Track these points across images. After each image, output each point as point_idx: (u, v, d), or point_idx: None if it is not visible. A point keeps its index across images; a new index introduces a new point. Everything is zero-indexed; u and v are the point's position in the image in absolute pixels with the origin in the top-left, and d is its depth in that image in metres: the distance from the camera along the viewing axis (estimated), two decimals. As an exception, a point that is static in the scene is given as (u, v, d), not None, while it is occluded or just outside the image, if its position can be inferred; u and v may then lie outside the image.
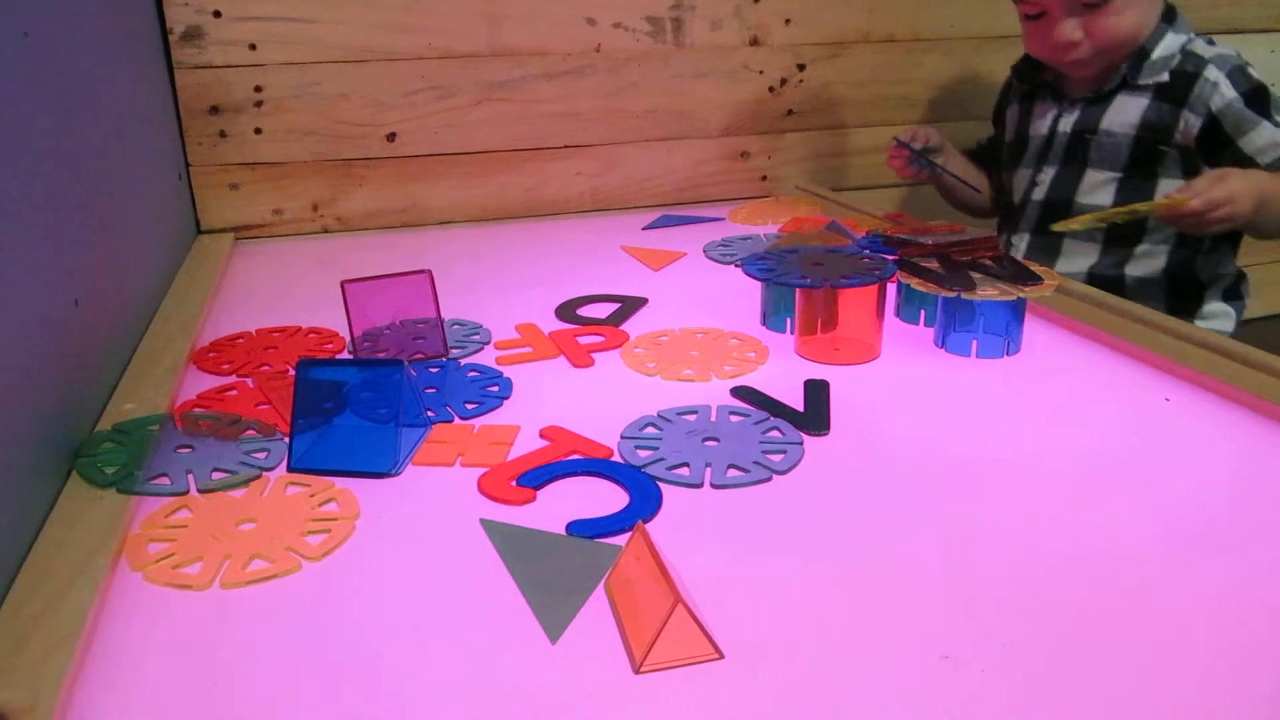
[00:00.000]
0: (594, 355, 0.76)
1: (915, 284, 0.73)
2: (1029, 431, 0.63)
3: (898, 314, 0.83)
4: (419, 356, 0.76)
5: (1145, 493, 0.55)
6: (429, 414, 0.65)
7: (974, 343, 0.74)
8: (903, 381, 0.72)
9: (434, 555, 0.50)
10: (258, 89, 1.10)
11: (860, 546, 0.51)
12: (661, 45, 1.22)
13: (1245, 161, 0.97)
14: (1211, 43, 1.05)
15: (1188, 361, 0.70)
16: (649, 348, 0.78)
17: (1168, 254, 1.05)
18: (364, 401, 0.63)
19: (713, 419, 0.64)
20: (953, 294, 0.71)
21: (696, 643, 0.41)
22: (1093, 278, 1.06)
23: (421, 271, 0.76)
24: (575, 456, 0.60)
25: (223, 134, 1.10)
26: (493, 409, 0.67)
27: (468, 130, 1.18)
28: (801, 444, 0.61)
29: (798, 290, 0.74)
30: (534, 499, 0.55)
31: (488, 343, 0.80)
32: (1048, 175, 1.11)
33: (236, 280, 1.01)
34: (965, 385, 0.71)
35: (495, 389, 0.70)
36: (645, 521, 0.53)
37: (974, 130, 1.39)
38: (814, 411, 0.65)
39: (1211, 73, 1.01)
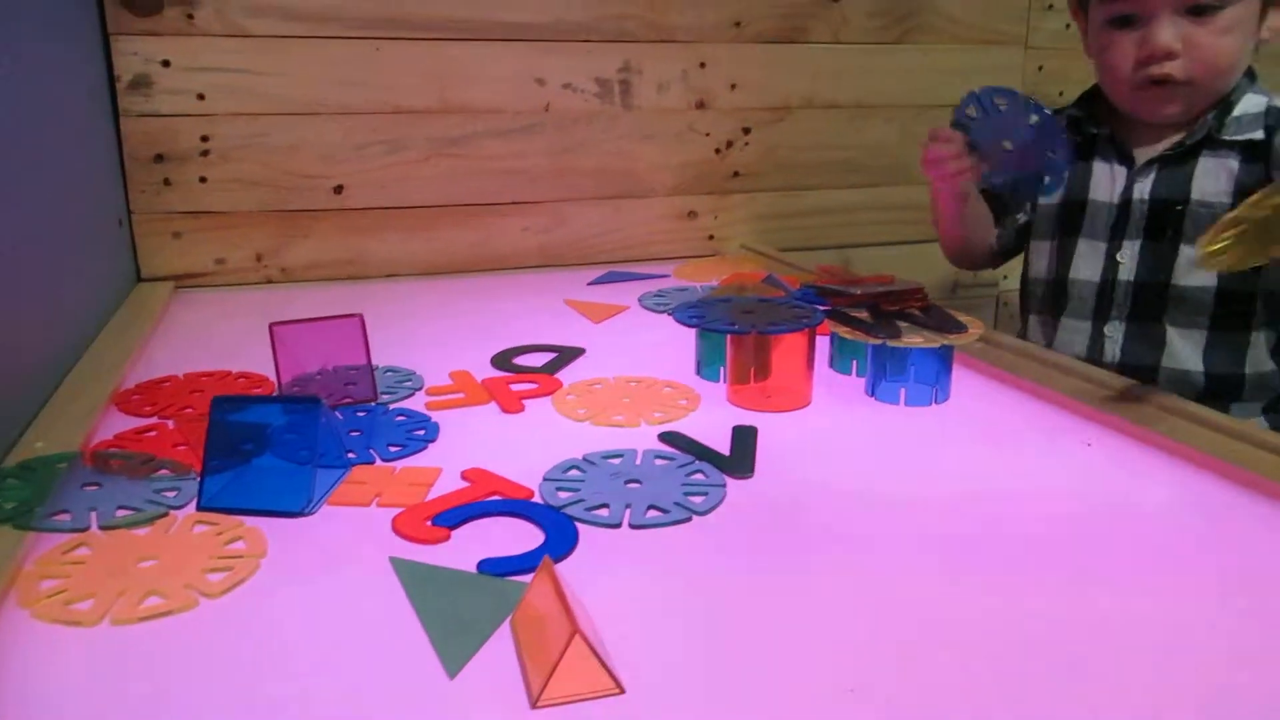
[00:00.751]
0: (526, 402, 0.76)
1: (844, 332, 0.74)
2: (950, 476, 0.63)
3: (831, 364, 0.83)
4: (347, 401, 0.75)
5: (1064, 534, 0.55)
6: (350, 455, 0.64)
7: (902, 391, 0.75)
8: (830, 428, 0.72)
9: (339, 594, 0.49)
10: (204, 138, 1.10)
11: (773, 585, 0.50)
12: (609, 106, 1.24)
13: None
14: None
15: (1108, 408, 0.71)
16: (581, 395, 0.78)
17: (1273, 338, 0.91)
18: (286, 443, 0.62)
19: (638, 462, 0.64)
20: (879, 341, 0.72)
21: (596, 676, 0.41)
22: (1210, 378, 0.90)
23: (352, 316, 0.76)
24: (495, 497, 0.59)
25: (167, 182, 1.10)
26: (416, 451, 0.66)
27: (416, 185, 1.19)
28: (724, 486, 0.60)
29: (729, 339, 0.75)
30: (448, 538, 0.54)
31: (420, 389, 0.79)
32: (1130, 253, 0.94)
33: (172, 327, 0.99)
34: (890, 432, 0.71)
35: (421, 432, 0.69)
36: (559, 560, 0.52)
37: (916, 195, 1.43)
38: (739, 455, 0.65)
39: None
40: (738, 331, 0.71)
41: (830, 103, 1.35)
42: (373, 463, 0.64)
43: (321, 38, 1.11)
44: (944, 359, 0.75)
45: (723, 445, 0.67)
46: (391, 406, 0.75)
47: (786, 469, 0.64)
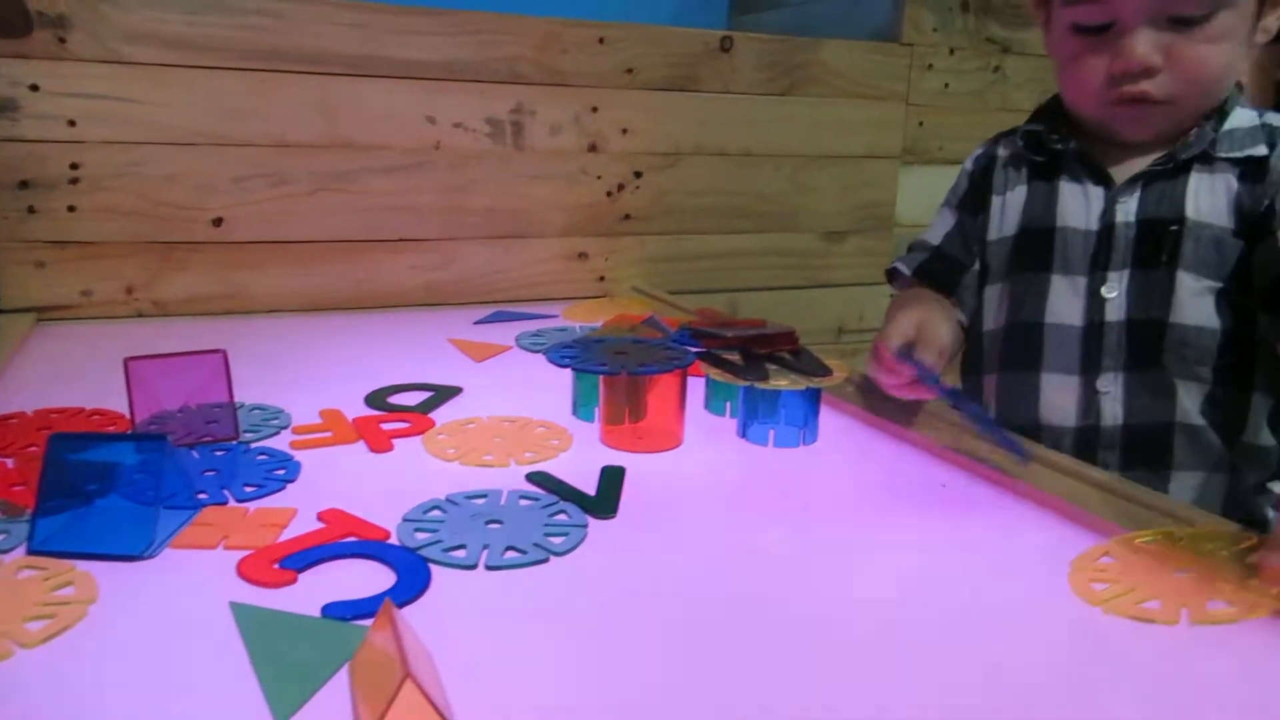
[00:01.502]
0: (396, 441, 0.75)
1: (714, 374, 0.75)
2: (811, 519, 0.64)
3: (706, 406, 0.84)
4: (207, 439, 0.73)
5: (923, 573, 0.57)
6: (201, 496, 0.62)
7: (771, 433, 0.76)
8: (698, 469, 0.73)
9: (171, 641, 0.47)
10: (74, 166, 1.06)
11: (627, 625, 0.50)
12: (501, 146, 1.25)
13: (1270, 263, 0.72)
14: None
15: (963, 450, 0.73)
16: (453, 434, 0.77)
17: None
18: (130, 483, 0.59)
19: (502, 503, 0.64)
20: (747, 383, 0.73)
21: (428, 718, 0.40)
22: (1200, 429, 0.77)
23: (215, 351, 0.74)
24: (350, 539, 0.58)
25: (31, 210, 1.06)
26: (274, 492, 0.65)
27: (300, 219, 1.17)
28: (585, 527, 0.60)
29: (602, 379, 0.75)
30: (294, 581, 0.53)
31: (286, 427, 0.77)
32: (1119, 286, 0.79)
33: (29, 362, 0.95)
34: (757, 473, 0.72)
35: (281, 472, 0.67)
36: (410, 602, 0.51)
37: (802, 243, 1.47)
38: (604, 496, 0.65)
39: None
40: (608, 372, 0.72)
41: (719, 150, 1.38)
42: (225, 503, 0.62)
43: (202, 68, 1.09)
44: (812, 401, 0.77)
45: (592, 486, 0.67)
46: (253, 445, 0.73)
47: (651, 510, 0.65)
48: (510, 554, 0.56)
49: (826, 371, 0.76)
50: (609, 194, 1.32)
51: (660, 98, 1.32)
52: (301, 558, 0.55)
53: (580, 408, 0.82)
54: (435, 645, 0.46)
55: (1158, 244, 0.77)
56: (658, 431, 0.76)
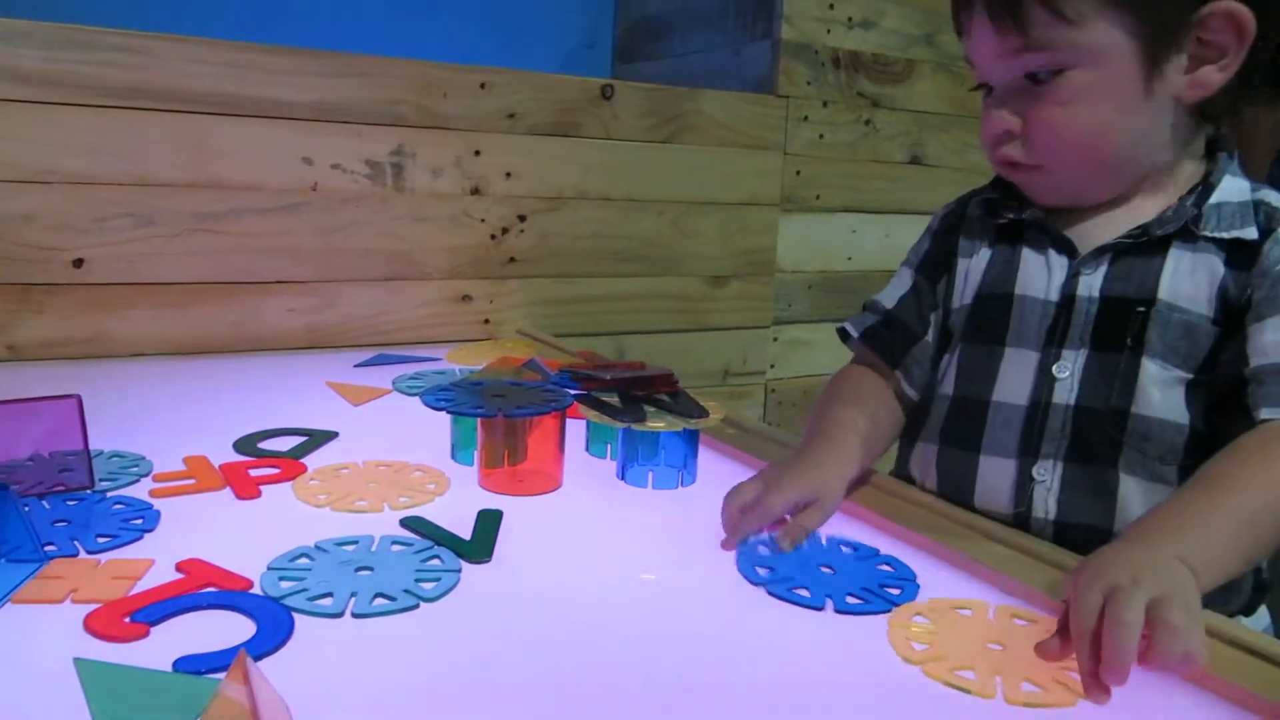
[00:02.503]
0: (264, 488, 0.72)
1: (592, 416, 0.75)
2: (685, 557, 0.65)
3: (587, 449, 0.85)
4: (59, 489, 0.69)
5: (774, 617, 0.58)
6: (49, 548, 0.59)
7: (650, 474, 0.77)
8: (576, 511, 0.73)
9: (11, 701, 0.44)
10: (-81, 205, 1.01)
11: (497, 672, 0.50)
12: (381, 188, 1.24)
13: (1239, 352, 0.65)
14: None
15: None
16: (326, 480, 0.75)
17: None
18: (10, 530, 0.56)
19: (373, 549, 0.62)
20: (623, 425, 0.74)
21: (278, 776, 0.38)
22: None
23: (69, 397, 0.70)
24: (209, 589, 0.55)
25: None
26: (130, 542, 0.62)
27: (168, 261, 1.13)
28: (459, 572, 0.59)
29: (479, 422, 0.75)
30: (146, 634, 0.50)
31: (147, 474, 0.74)
32: (1072, 366, 0.71)
33: None
34: (634, 514, 0.73)
35: (139, 521, 0.64)
36: (272, 652, 0.49)
37: (687, 286, 1.50)
38: (479, 540, 0.64)
39: None
40: (484, 414, 0.71)
41: (603, 195, 1.40)
42: (76, 555, 0.59)
43: (60, 104, 1.04)
44: (690, 443, 0.78)
45: (468, 530, 0.66)
46: (110, 494, 0.69)
47: (527, 553, 0.64)
48: (379, 601, 0.55)
49: (703, 413, 0.77)
50: (493, 237, 1.33)
51: (543, 143, 1.33)
52: (155, 610, 0.52)
53: (459, 451, 0.81)
54: (295, 697, 0.44)
55: (1122, 325, 0.69)
56: (537, 474, 0.76)
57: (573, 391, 0.79)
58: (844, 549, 0.66)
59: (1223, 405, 0.66)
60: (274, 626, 0.51)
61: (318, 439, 0.85)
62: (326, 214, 1.21)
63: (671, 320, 1.50)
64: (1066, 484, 0.70)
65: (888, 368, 0.82)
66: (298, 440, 0.84)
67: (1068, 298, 0.72)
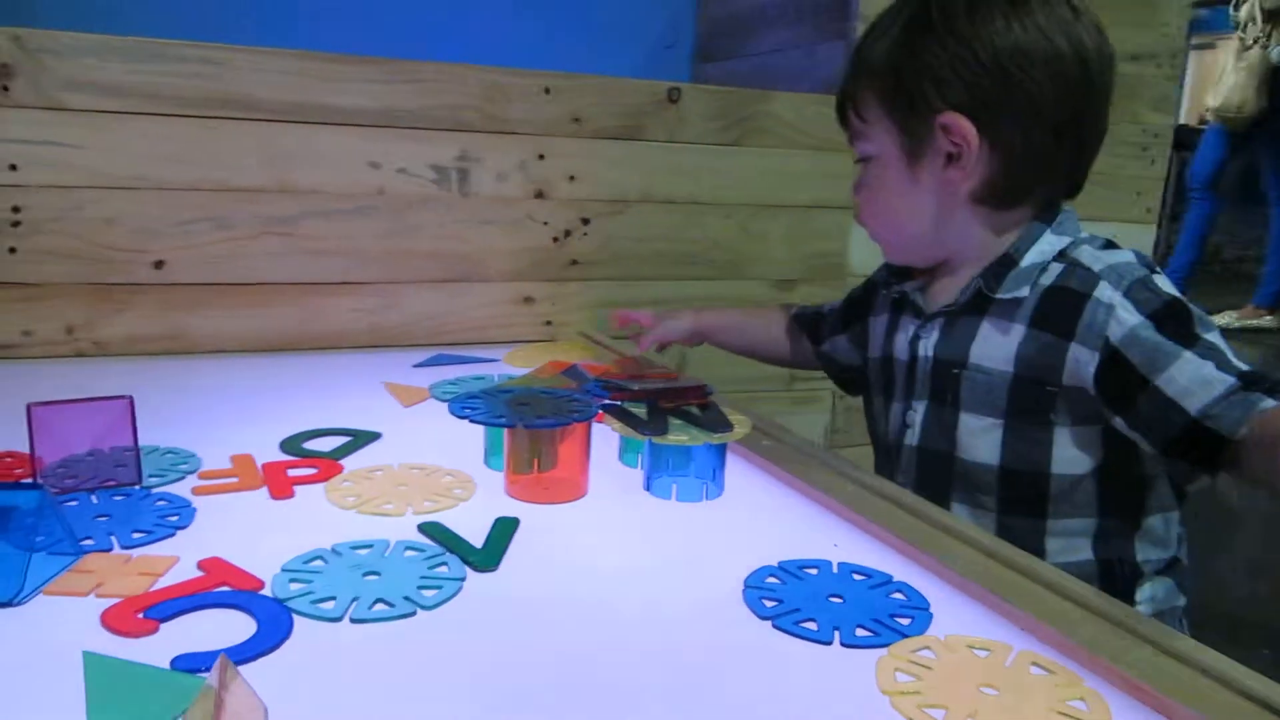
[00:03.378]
0: (298, 488, 0.75)
1: (615, 426, 0.76)
2: (695, 573, 0.65)
3: (620, 458, 0.85)
4: (110, 484, 0.73)
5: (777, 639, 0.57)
6: (87, 542, 0.63)
7: (674, 486, 0.77)
8: (596, 522, 0.73)
9: (23, 686, 0.48)
10: (15, 209, 1.08)
11: (481, 685, 0.50)
12: (446, 193, 1.26)
13: (1168, 409, 0.70)
14: (1109, 245, 0.80)
15: (872, 515, 0.73)
16: (358, 482, 0.77)
17: (1094, 531, 0.80)
18: (9, 531, 0.59)
19: (386, 554, 0.64)
20: (642, 437, 0.74)
21: (238, 779, 0.40)
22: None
23: (121, 398, 0.75)
24: (223, 589, 0.58)
25: (-28, 251, 1.07)
26: (163, 538, 0.65)
27: (243, 262, 1.19)
28: (461, 580, 0.61)
29: (505, 431, 0.76)
30: (155, 630, 0.53)
31: (194, 471, 0.78)
32: (919, 415, 0.87)
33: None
34: (653, 527, 0.72)
35: (175, 519, 0.68)
36: (264, 654, 0.51)
37: (753, 290, 1.49)
38: (489, 548, 0.65)
39: (1104, 291, 0.75)
40: (505, 424, 0.73)
41: (668, 198, 1.40)
42: (110, 550, 0.63)
43: (144, 114, 1.10)
44: (716, 457, 0.78)
45: (484, 536, 0.68)
46: (155, 490, 0.73)
47: (537, 563, 0.65)
48: (379, 607, 0.57)
49: (728, 427, 0.76)
50: (555, 240, 1.34)
51: (608, 146, 1.34)
52: (166, 607, 0.55)
53: (491, 457, 0.82)
54: (280, 699, 0.46)
55: (944, 383, 0.84)
56: (562, 482, 0.77)
57: (601, 401, 0.79)
58: (856, 576, 0.64)
59: (1170, 452, 0.73)
60: (273, 628, 0.53)
61: (361, 439, 0.87)
62: (392, 217, 1.24)
63: (737, 324, 1.48)
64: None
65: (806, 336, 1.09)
66: (342, 440, 0.87)
67: (913, 358, 0.87)
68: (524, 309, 1.34)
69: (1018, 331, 0.80)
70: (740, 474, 0.83)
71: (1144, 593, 0.81)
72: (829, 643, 0.56)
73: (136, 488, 0.73)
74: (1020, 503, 0.81)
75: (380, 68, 1.20)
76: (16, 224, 1.08)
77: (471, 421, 0.73)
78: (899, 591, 0.62)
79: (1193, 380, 0.70)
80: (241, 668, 0.50)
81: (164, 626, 0.54)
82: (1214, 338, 0.72)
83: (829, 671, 0.53)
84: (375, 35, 1.55)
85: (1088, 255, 0.79)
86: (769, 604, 0.60)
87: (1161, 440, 0.73)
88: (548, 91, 1.29)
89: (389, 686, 0.50)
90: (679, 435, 0.75)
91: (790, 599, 0.61)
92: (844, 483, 0.80)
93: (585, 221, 1.35)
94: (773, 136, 1.44)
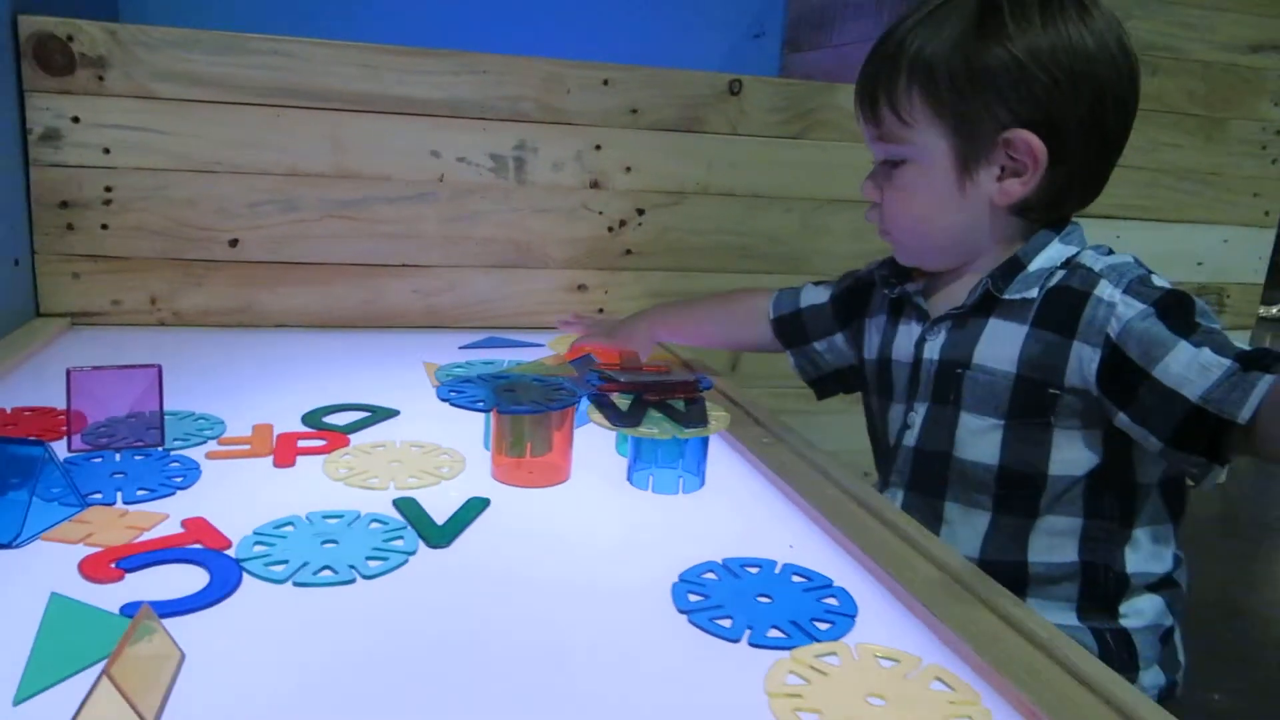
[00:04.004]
0: (301, 459, 0.81)
1: (593, 417, 0.78)
2: (626, 568, 0.66)
3: (617, 449, 0.87)
4: (138, 444, 0.81)
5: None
6: (95, 496, 0.70)
7: (650, 478, 0.79)
8: (566, 507, 0.76)
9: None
10: (108, 189, 1.19)
11: (393, 653, 0.54)
12: (503, 181, 1.31)
13: (1168, 398, 0.69)
14: (1110, 252, 0.80)
15: (833, 515, 0.73)
16: (358, 456, 0.82)
17: (1080, 533, 0.80)
18: (9, 481, 0.66)
19: (352, 525, 0.69)
20: (614, 429, 0.76)
21: (124, 713, 0.45)
22: (985, 564, 0.72)
23: (150, 366, 0.82)
24: (195, 546, 0.64)
25: (70, 227, 1.19)
26: (164, 497, 0.72)
27: (309, 243, 1.26)
28: (410, 554, 0.65)
29: (492, 415, 0.79)
30: (121, 579, 0.59)
31: (216, 437, 0.85)
32: (918, 416, 0.86)
33: (51, 360, 1.06)
34: (617, 516, 0.75)
35: (179, 480, 0.74)
36: (211, 605, 0.57)
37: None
38: (447, 527, 0.69)
39: (1105, 289, 0.75)
40: (480, 409, 0.76)
41: (727, 190, 1.40)
42: (113, 504, 0.70)
43: (223, 103, 1.19)
44: (694, 451, 0.79)
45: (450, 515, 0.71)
46: (175, 453, 0.80)
47: (489, 543, 0.68)
48: (325, 573, 0.61)
49: (702, 424, 0.77)
50: (610, 229, 1.37)
51: (665, 138, 1.36)
52: (136, 559, 0.61)
53: (489, 440, 0.86)
54: (204, 647, 0.51)
55: (948, 383, 0.83)
56: (544, 467, 0.80)
57: (587, 392, 0.82)
58: (795, 578, 0.65)
59: (1174, 443, 0.70)
60: (220, 585, 0.59)
61: (379, 415, 0.93)
62: (452, 204, 1.30)
63: (795, 318, 1.47)
64: (907, 506, 0.85)
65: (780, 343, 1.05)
66: (360, 416, 0.93)
67: (917, 360, 0.86)
68: (577, 296, 1.38)
69: (1022, 332, 0.79)
70: (729, 469, 0.84)
71: (1129, 605, 0.79)
72: (736, 640, 0.57)
73: (159, 449, 0.81)
74: (1014, 500, 0.80)
75: (445, 59, 1.26)
76: (108, 202, 1.19)
77: (452, 405, 0.77)
78: (833, 597, 0.63)
79: (1189, 366, 0.68)
80: (183, 618, 0.55)
81: (130, 576, 0.60)
82: (1212, 324, 0.71)
83: (723, 668, 0.54)
84: (459, 27, 1.61)
85: (1089, 258, 0.78)
86: (693, 598, 0.61)
87: (1166, 432, 0.70)
88: (606, 83, 1.31)
89: (308, 645, 0.54)
90: (650, 428, 0.76)
91: (717, 595, 0.62)
92: (827, 486, 0.80)
93: (640, 212, 1.37)
94: (837, 130, 1.42)
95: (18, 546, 0.63)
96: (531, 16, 1.68)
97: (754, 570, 0.66)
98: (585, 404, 0.80)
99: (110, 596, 0.57)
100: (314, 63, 1.21)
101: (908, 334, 0.88)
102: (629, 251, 1.38)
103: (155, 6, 1.49)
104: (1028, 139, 0.75)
